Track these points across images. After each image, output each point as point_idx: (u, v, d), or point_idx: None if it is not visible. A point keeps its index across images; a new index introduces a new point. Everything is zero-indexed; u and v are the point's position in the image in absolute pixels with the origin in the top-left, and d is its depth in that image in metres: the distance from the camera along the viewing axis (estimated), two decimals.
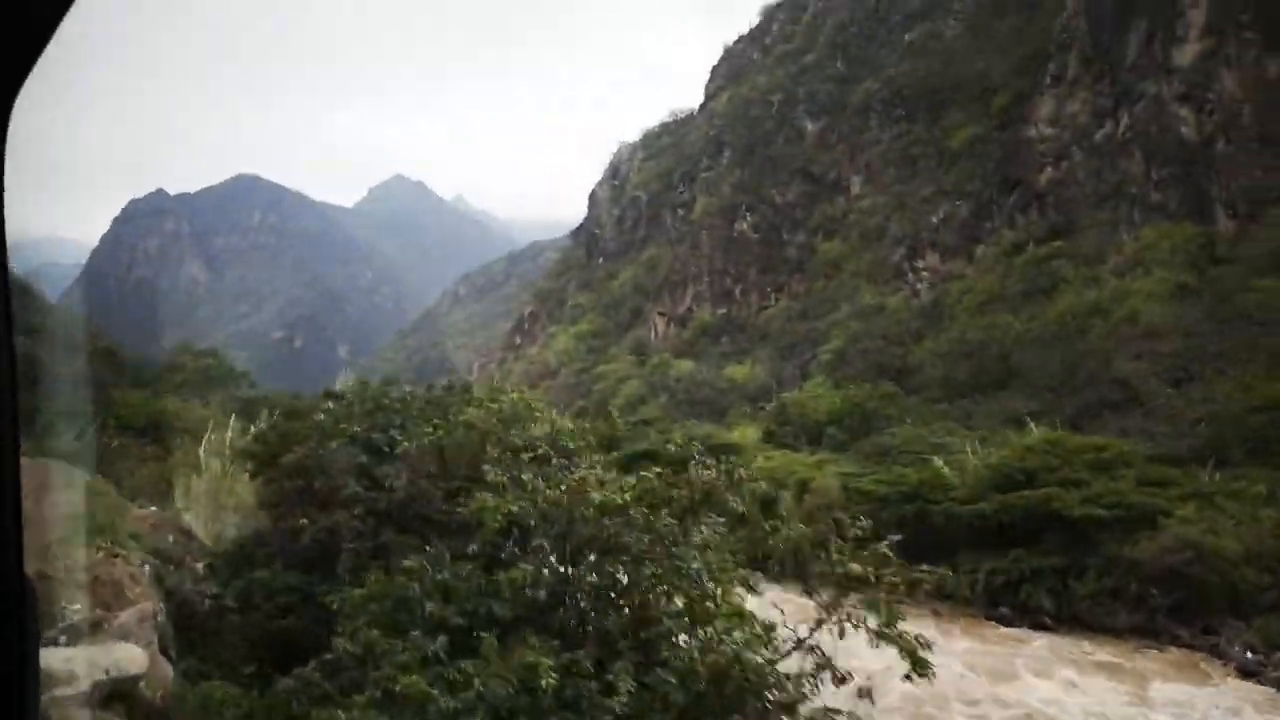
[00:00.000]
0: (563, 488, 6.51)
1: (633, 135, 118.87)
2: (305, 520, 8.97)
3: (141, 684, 6.65)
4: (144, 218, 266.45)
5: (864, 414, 33.76)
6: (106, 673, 6.12)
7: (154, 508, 12.61)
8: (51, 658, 6.05)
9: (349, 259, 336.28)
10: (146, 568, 9.33)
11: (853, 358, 46.17)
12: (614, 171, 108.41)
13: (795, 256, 61.42)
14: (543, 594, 6.33)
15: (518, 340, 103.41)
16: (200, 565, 10.54)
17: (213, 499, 13.06)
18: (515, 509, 6.53)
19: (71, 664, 6.08)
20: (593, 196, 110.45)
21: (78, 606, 7.51)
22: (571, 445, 8.92)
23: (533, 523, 6.59)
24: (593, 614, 6.31)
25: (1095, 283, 39.93)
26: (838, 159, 63.84)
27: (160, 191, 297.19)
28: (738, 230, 65.41)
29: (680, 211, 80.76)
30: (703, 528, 6.78)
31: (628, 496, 6.43)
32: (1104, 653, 15.75)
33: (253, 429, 14.06)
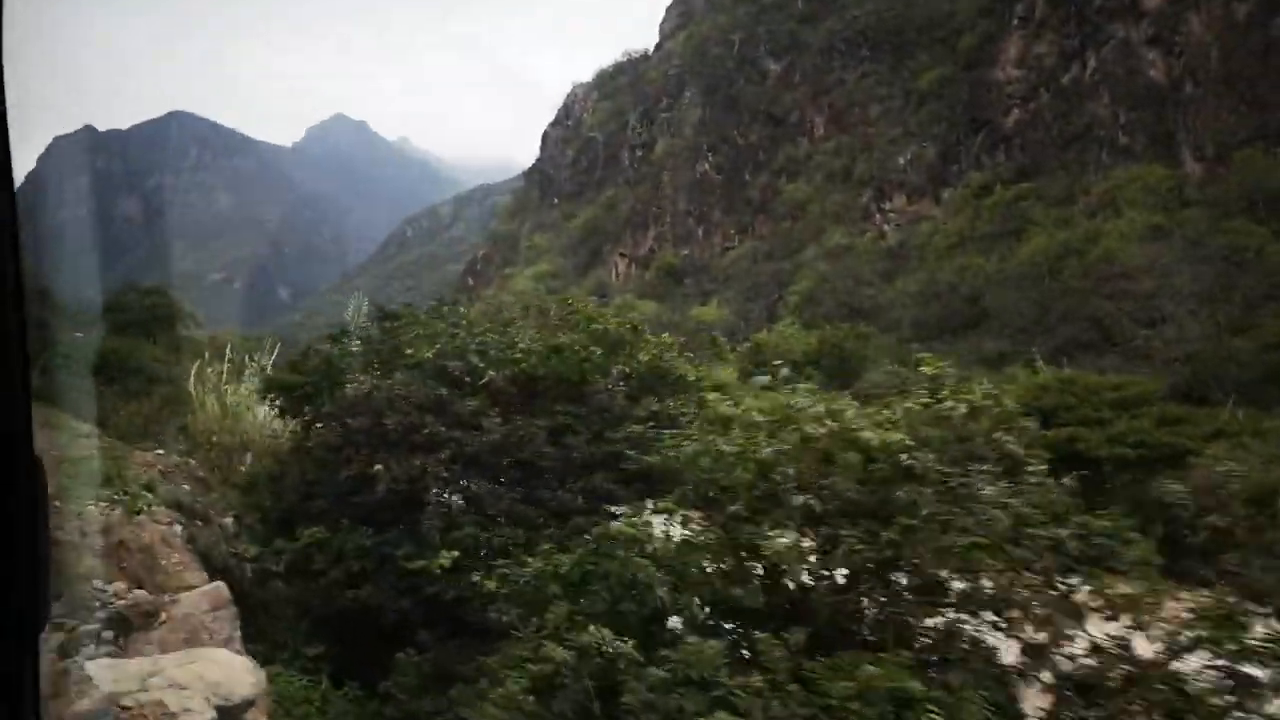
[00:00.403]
0: (809, 429, 4.66)
1: (584, 76, 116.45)
2: (379, 467, 7.39)
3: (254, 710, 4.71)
4: (72, 155, 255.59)
5: (841, 354, 33.60)
6: (209, 702, 4.15)
7: (159, 450, 11.25)
8: (110, 673, 4.26)
9: (288, 200, 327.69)
10: (177, 528, 7.81)
11: (821, 298, 45.99)
12: (567, 112, 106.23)
13: (759, 198, 60.85)
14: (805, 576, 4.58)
15: (470, 282, 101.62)
16: (228, 521, 8.87)
17: (220, 442, 11.55)
18: (754, 456, 4.69)
19: (153, 689, 4.08)
20: (545, 137, 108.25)
21: (111, 587, 5.89)
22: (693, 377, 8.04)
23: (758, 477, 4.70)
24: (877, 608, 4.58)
25: (1066, 224, 40.13)
26: (800, 100, 63.08)
27: (89, 128, 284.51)
28: (700, 171, 64.56)
29: (639, 152, 79.41)
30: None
31: (900, 437, 4.55)
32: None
33: (257, 362, 12.60)
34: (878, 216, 51.74)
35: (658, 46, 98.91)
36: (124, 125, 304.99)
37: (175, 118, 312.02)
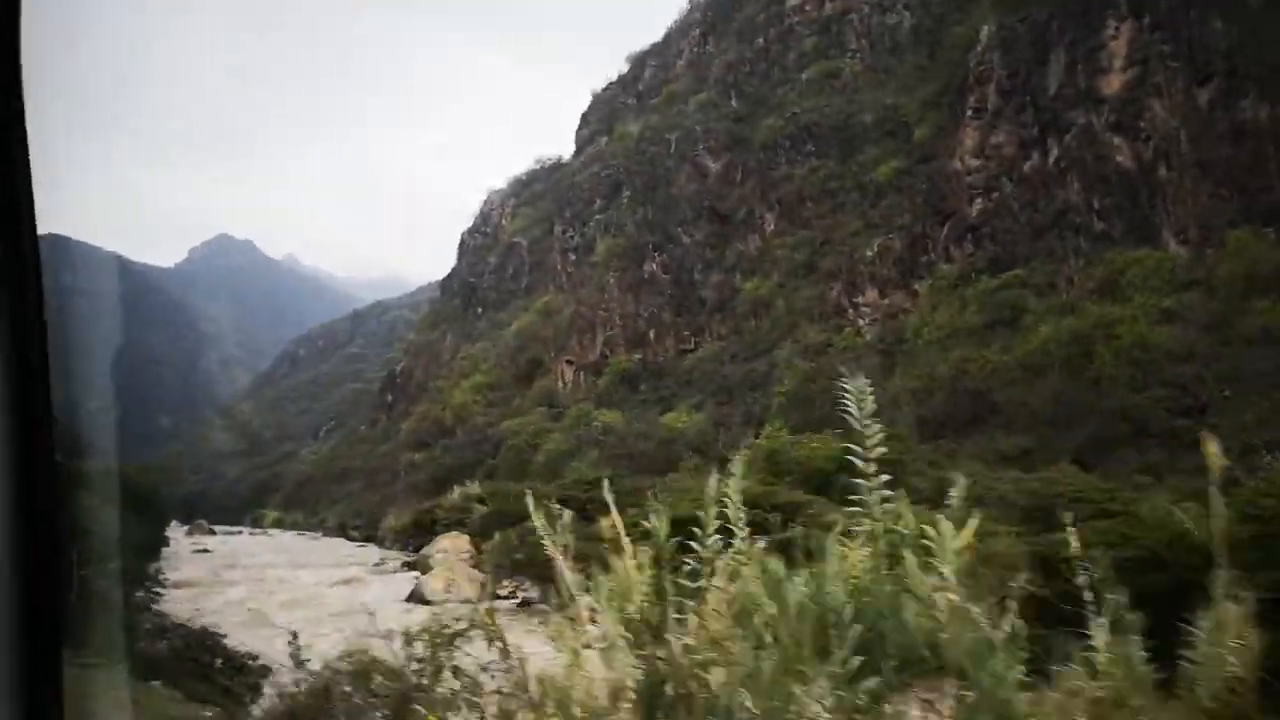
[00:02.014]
0: None
1: (492, 184, 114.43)
2: None
3: None
4: None
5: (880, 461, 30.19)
6: None
7: None
8: None
9: (170, 322, 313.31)
10: None
11: (809, 399, 42.90)
12: (485, 219, 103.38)
13: (714, 297, 58.28)
14: None
15: (389, 398, 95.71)
16: None
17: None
18: None
19: None
20: (463, 245, 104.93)
21: None
22: None
23: None
24: None
25: (1071, 311, 38.39)
26: (746, 196, 61.57)
27: None
28: (647, 271, 61.84)
29: (572, 256, 76.63)
30: None
31: None
32: None
33: None
34: (850, 311, 49.59)
35: (577, 152, 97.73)
36: None
37: (45, 241, 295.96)
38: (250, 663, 9.97)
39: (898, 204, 51.90)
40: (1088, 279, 41.20)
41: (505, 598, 28.66)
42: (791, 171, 59.55)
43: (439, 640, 3.31)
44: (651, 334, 59.72)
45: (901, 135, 55.37)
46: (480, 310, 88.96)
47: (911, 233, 50.44)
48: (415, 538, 47.37)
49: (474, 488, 46.26)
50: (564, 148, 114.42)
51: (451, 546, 35.85)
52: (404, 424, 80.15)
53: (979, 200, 49.38)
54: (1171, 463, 27.88)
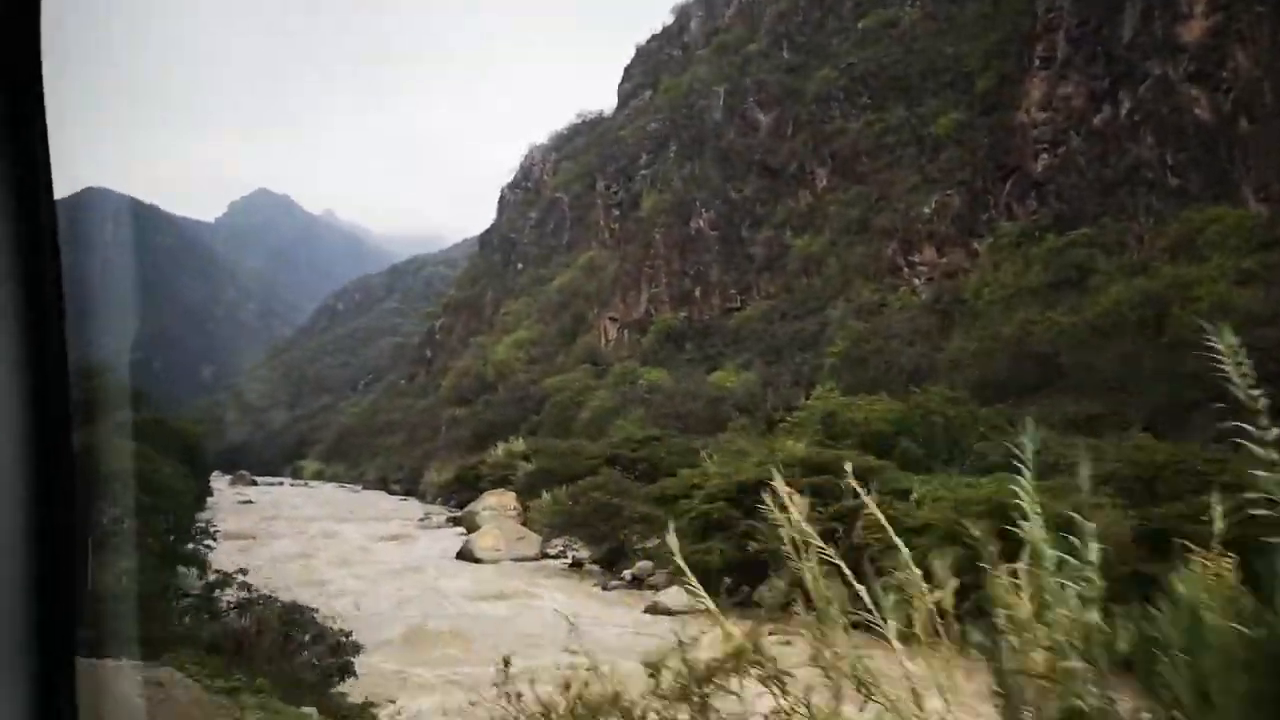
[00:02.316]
0: None
1: (533, 140, 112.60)
2: None
3: None
4: None
5: (944, 424, 28.99)
6: None
7: None
8: None
9: (210, 275, 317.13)
10: None
11: (863, 360, 41.61)
12: (525, 174, 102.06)
13: (762, 254, 56.78)
14: None
15: (429, 354, 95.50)
16: None
17: None
18: None
19: None
20: (503, 200, 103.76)
21: None
22: None
23: None
24: None
25: (1142, 271, 36.60)
26: (798, 150, 59.69)
27: None
28: (694, 228, 60.37)
29: (615, 211, 75.32)
30: None
31: None
32: None
33: None
34: (905, 270, 47.96)
35: (620, 106, 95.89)
36: None
37: (90, 193, 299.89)
38: (344, 639, 9.19)
39: (957, 158, 49.89)
40: (1160, 238, 39.28)
41: (554, 557, 28.04)
42: (846, 125, 57.56)
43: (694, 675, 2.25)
44: (697, 291, 58.44)
45: (962, 86, 53.12)
46: (520, 266, 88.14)
47: (972, 188, 48.51)
48: (459, 493, 47.02)
49: (518, 444, 45.70)
50: (603, 103, 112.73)
51: (497, 503, 35.32)
52: (444, 379, 79.90)
53: (1044, 155, 47.28)
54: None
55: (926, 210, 48.38)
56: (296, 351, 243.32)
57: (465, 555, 27.14)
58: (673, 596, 18.30)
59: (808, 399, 41.71)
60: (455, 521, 38.84)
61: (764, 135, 63.04)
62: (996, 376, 37.18)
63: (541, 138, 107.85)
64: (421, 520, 40.52)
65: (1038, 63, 48.72)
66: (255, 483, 65.45)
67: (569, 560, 27.14)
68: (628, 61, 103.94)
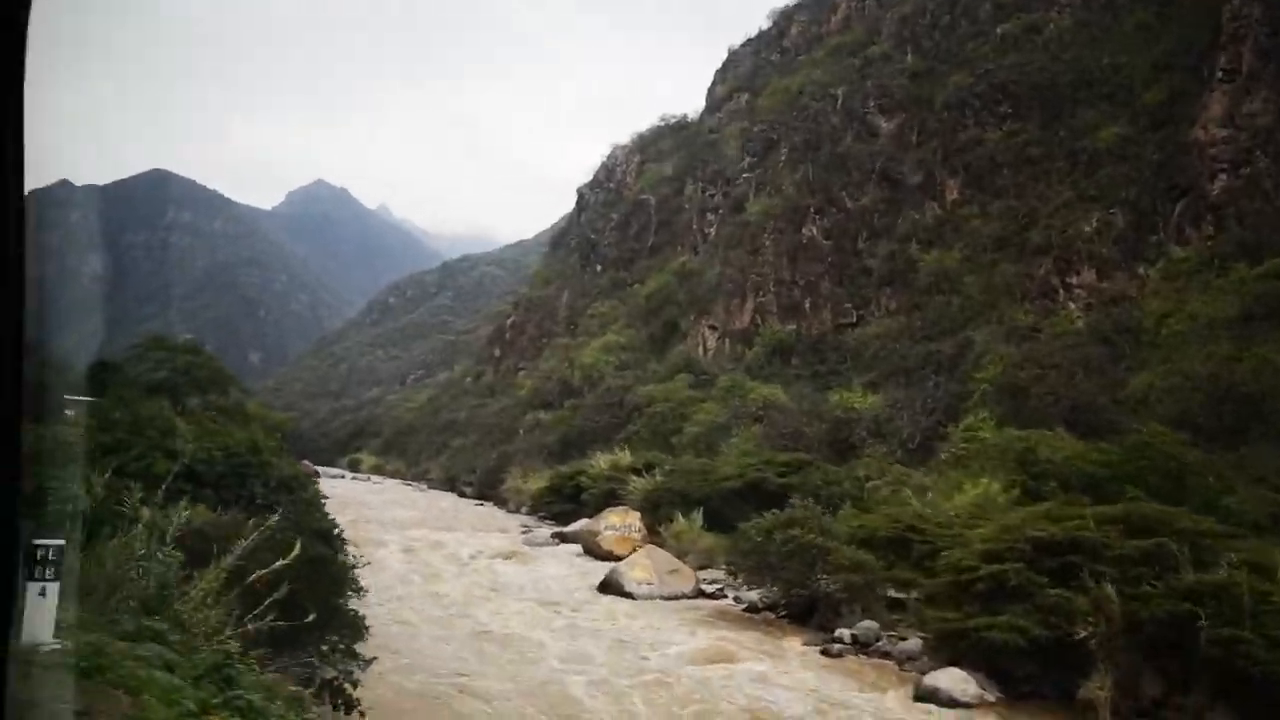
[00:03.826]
0: None
1: (617, 139, 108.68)
2: None
3: None
4: (46, 209, 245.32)
5: (1178, 469, 24.45)
6: None
7: None
8: None
9: (264, 263, 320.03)
10: None
11: (1020, 389, 37.06)
12: (608, 174, 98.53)
13: (881, 268, 52.38)
14: None
15: (497, 353, 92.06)
16: None
17: None
18: None
19: None
20: (581, 200, 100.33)
21: None
22: None
23: None
24: None
25: None
26: (924, 160, 55.27)
27: (65, 183, 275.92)
28: (806, 236, 56.15)
29: (709, 216, 71.40)
30: None
31: None
32: None
33: None
34: (1061, 293, 43.34)
35: (712, 109, 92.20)
36: (102, 181, 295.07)
37: (154, 175, 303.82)
38: None
39: (1119, 175, 45.22)
40: None
41: (711, 596, 24.03)
42: (982, 134, 53.07)
43: None
44: (807, 303, 54.17)
45: (1121, 99, 48.47)
46: (600, 268, 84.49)
47: (1137, 208, 43.83)
48: (553, 504, 43.16)
49: (624, 456, 41.74)
50: (685, 106, 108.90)
51: (620, 522, 31.31)
52: (518, 380, 76.37)
53: (1223, 176, 42.48)
54: None
55: (1087, 229, 43.74)
56: (346, 343, 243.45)
57: (612, 588, 23.16)
58: (950, 681, 14.13)
59: (943, 426, 37.48)
60: (561, 538, 35.00)
61: (885, 142, 58.76)
62: (1191, 418, 32.48)
63: (623, 138, 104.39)
64: (524, 533, 36.66)
65: (1220, 75, 44.02)
66: (318, 474, 62.21)
67: (731, 600, 23.09)
68: (718, 65, 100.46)
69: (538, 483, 46.01)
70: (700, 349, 57.39)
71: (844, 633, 18.01)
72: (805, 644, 17.96)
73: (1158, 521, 14.96)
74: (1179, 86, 45.98)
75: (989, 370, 39.50)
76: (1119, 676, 13.68)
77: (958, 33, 61.75)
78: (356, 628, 8.69)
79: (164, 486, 10.89)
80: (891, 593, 20.05)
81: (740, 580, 24.42)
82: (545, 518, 43.02)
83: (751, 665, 15.40)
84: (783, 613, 21.06)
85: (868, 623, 18.00)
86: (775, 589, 21.10)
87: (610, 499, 38.38)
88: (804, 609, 20.45)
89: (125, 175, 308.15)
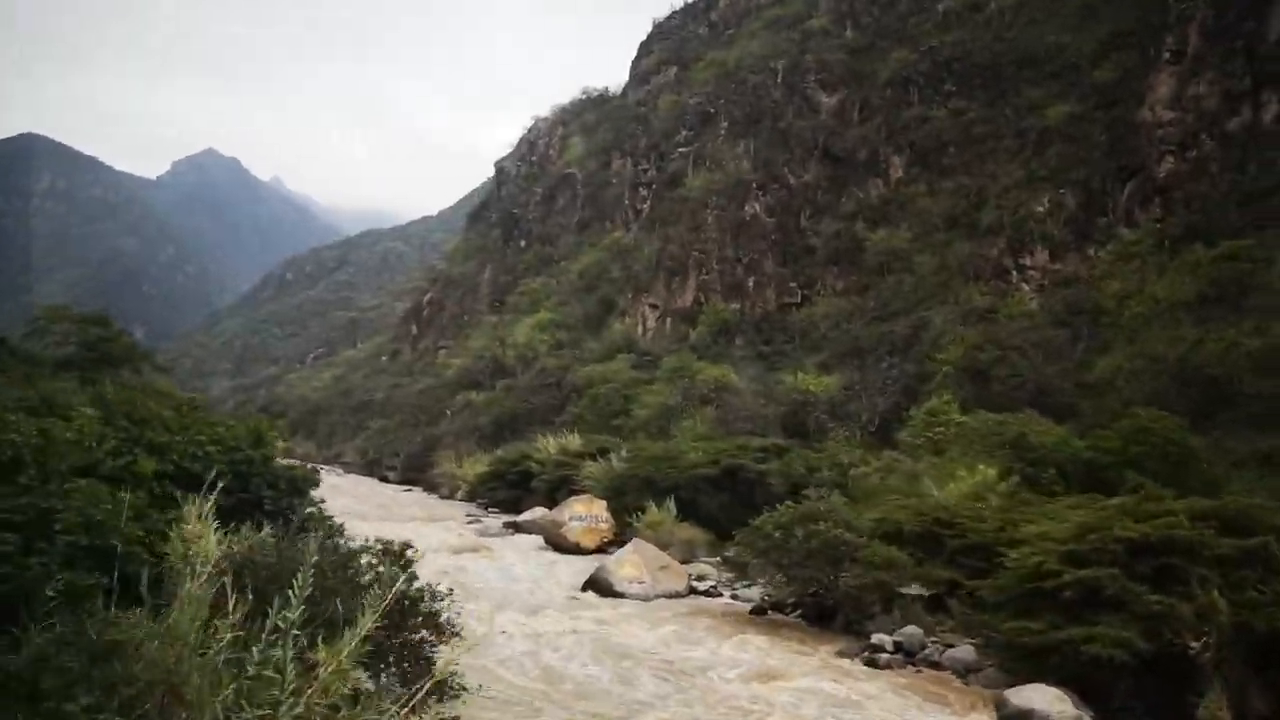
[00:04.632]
0: None
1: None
2: None
3: None
4: None
5: (1178, 452, 23.68)
6: None
7: None
8: None
9: (149, 234, 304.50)
10: None
11: (981, 371, 36.36)
12: (529, 147, 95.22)
13: (826, 247, 51.30)
14: None
15: (414, 330, 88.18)
16: None
17: None
18: None
19: None
20: (501, 173, 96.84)
21: None
22: None
23: None
24: None
25: None
26: (868, 137, 54.36)
27: None
28: (749, 213, 54.64)
29: (642, 191, 69.24)
30: None
31: None
32: None
33: None
34: (1014, 274, 42.90)
35: (639, 82, 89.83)
36: None
37: (26, 139, 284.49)
38: None
39: (1069, 154, 45.04)
40: None
41: (705, 593, 22.19)
42: (927, 112, 52.40)
43: None
44: (751, 282, 52.73)
45: (1068, 77, 48.35)
46: (524, 243, 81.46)
47: (1088, 188, 43.70)
48: (496, 491, 40.73)
49: (572, 439, 39.50)
50: (601, 80, 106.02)
51: (586, 512, 29.14)
52: (439, 358, 72.99)
53: (1170, 158, 42.68)
54: None
55: (1038, 209, 43.39)
56: (238, 319, 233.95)
57: (599, 587, 21.04)
58: (1044, 700, 12.55)
59: (905, 410, 36.50)
60: (515, 528, 32.64)
61: (827, 118, 57.62)
62: (1159, 401, 32.12)
63: (534, 112, 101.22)
64: (472, 523, 34.09)
65: (1166, 56, 44.14)
66: None
67: (728, 598, 21.30)
68: (642, 38, 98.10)
69: (476, 467, 43.39)
70: (640, 328, 55.38)
71: (883, 639, 16.32)
72: (840, 652, 16.20)
73: (1250, 518, 13.67)
74: (1127, 65, 46.02)
75: (949, 352, 38.68)
76: (1229, 692, 12.38)
77: (898, 9, 61.03)
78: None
79: (151, 492, 8.34)
80: (914, 590, 18.58)
81: (735, 577, 22.67)
82: (487, 505, 40.55)
83: (812, 683, 13.55)
84: (794, 613, 19.35)
85: (911, 629, 16.35)
86: (785, 587, 19.36)
87: (561, 486, 36.25)
88: (821, 610, 18.77)
89: None
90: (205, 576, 4.67)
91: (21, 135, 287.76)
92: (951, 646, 15.93)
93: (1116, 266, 40.89)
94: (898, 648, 16.08)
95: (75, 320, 27.62)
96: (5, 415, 6.23)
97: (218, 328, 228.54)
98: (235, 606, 4.33)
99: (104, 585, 5.10)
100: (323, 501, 11.85)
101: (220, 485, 9.03)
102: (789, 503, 19.60)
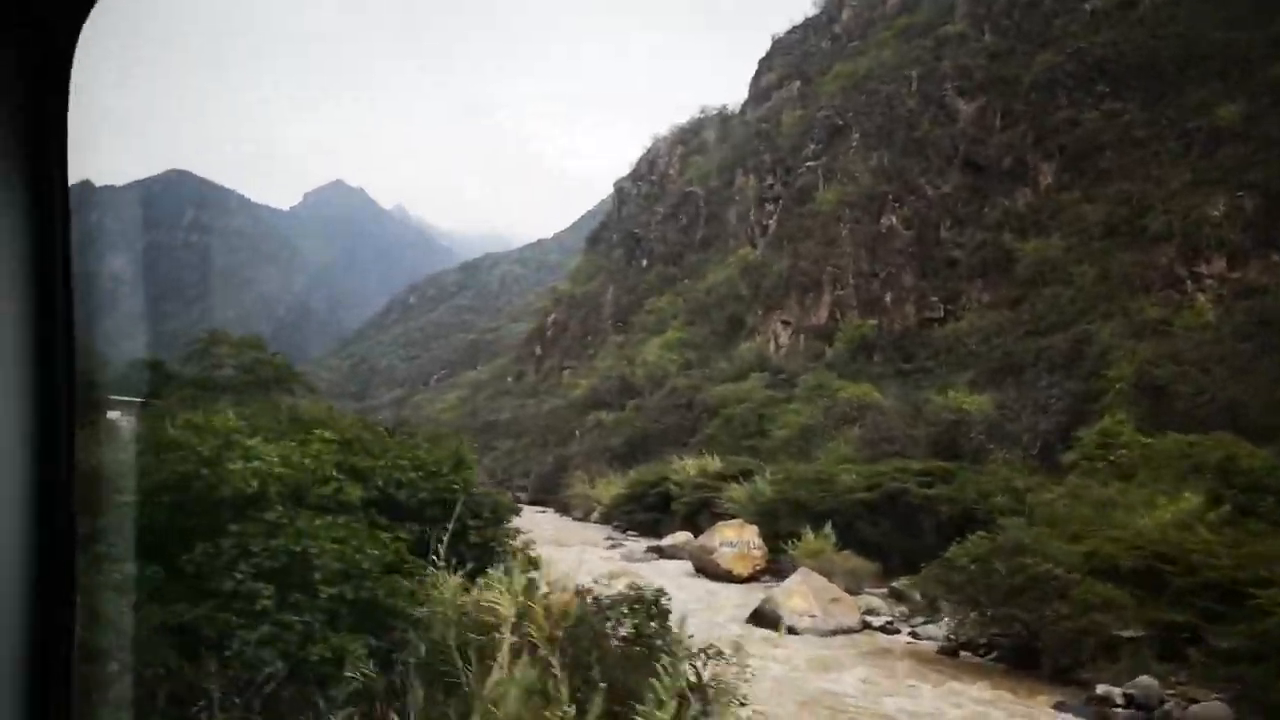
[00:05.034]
0: None
1: (657, 131, 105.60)
2: None
3: None
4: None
5: None
6: None
7: None
8: None
9: (282, 263, 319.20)
10: None
11: (1160, 389, 33.45)
12: (650, 166, 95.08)
13: (970, 259, 48.80)
14: None
15: (537, 351, 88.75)
16: None
17: None
18: None
19: None
20: (621, 194, 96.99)
21: None
22: None
23: None
24: None
25: None
26: (1013, 143, 51.65)
27: (86, 183, 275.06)
28: (884, 225, 52.57)
29: (768, 207, 67.86)
30: None
31: None
32: None
33: None
34: (1189, 283, 39.64)
35: (760, 98, 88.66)
36: (120, 181, 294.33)
37: (173, 175, 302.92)
38: None
39: (1243, 155, 41.50)
40: None
41: (879, 629, 20.57)
42: (1078, 115, 49.42)
43: None
44: (888, 297, 50.61)
45: (1235, 76, 44.76)
46: (646, 263, 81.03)
47: (1267, 191, 40.10)
48: (633, 514, 39.81)
49: (712, 461, 38.30)
50: (721, 99, 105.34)
51: (736, 537, 27.85)
52: (563, 378, 73.11)
53: None
54: None
55: (1214, 214, 40.04)
56: (366, 343, 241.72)
57: (767, 619, 19.67)
58: None
59: (1072, 431, 33.85)
60: (659, 552, 31.64)
61: (966, 125, 55.12)
62: None
63: (649, 133, 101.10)
64: (613, 546, 33.26)
65: None
66: None
67: (908, 636, 19.63)
68: (762, 54, 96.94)
69: (610, 489, 42.62)
70: (772, 346, 53.85)
71: (1111, 691, 14.46)
72: (1059, 704, 14.45)
73: None
74: None
75: (1120, 368, 35.84)
76: None
77: (1040, 10, 58.02)
78: None
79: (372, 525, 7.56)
80: (1129, 634, 16.59)
81: (909, 611, 21.05)
82: (624, 528, 39.67)
83: None
84: (987, 654, 17.60)
85: (1144, 679, 14.43)
86: (978, 627, 17.63)
87: (702, 509, 35.07)
88: (1020, 653, 16.95)
89: (144, 175, 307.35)
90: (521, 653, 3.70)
91: (170, 172, 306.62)
92: (1195, 701, 13.98)
93: None
94: (1130, 701, 14.23)
95: (234, 344, 28.03)
96: (245, 442, 5.45)
97: (346, 351, 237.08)
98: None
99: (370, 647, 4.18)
100: (527, 533, 11.07)
101: (425, 513, 8.01)
102: (981, 534, 17.92)
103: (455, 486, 8.64)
